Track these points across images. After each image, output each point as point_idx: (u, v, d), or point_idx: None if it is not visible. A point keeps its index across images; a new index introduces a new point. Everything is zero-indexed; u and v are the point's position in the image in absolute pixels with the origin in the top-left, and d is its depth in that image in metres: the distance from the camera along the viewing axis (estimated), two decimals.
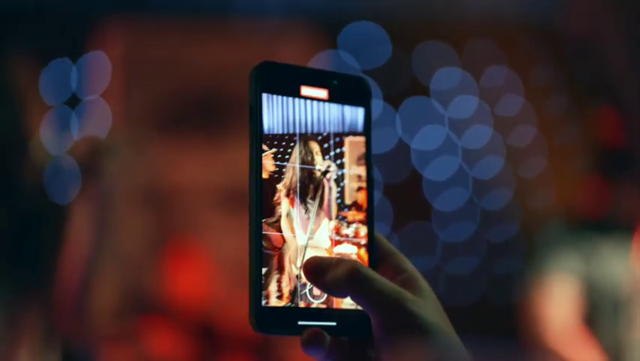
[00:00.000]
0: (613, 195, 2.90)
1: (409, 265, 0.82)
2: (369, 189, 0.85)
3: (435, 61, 4.10)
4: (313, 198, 0.83)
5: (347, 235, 0.84)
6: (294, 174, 0.82)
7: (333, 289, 0.79)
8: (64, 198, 2.61)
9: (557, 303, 2.85)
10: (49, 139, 2.70)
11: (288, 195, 0.82)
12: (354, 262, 0.80)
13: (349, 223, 0.84)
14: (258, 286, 0.79)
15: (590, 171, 3.01)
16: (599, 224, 2.91)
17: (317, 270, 0.79)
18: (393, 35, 4.10)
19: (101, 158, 3.30)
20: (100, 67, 3.92)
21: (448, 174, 4.09)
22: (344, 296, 0.80)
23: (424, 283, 0.80)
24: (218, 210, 3.94)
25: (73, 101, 3.82)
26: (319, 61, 3.98)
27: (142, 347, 3.42)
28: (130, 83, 3.99)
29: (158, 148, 3.92)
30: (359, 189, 0.85)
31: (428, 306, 0.78)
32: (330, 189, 0.84)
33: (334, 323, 0.80)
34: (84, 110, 3.85)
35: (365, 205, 0.85)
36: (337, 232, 0.83)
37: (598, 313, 2.85)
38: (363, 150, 0.85)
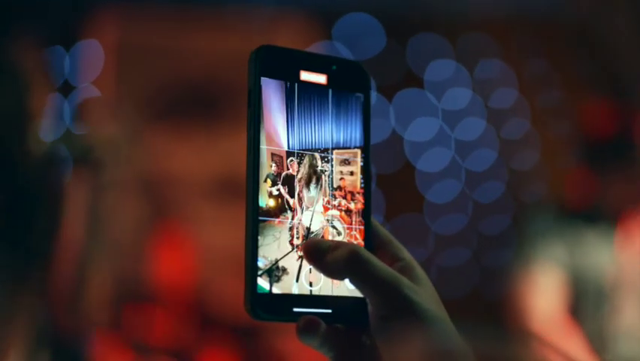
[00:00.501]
0: (599, 186, 2.92)
1: (405, 253, 0.82)
2: (367, 176, 0.85)
3: (429, 53, 4.10)
4: (311, 183, 0.83)
5: (356, 222, 0.84)
6: (292, 158, 0.82)
7: (333, 271, 0.79)
8: (56, 186, 2.61)
9: (543, 293, 2.88)
10: (42, 126, 2.70)
11: (285, 180, 0.81)
12: (354, 245, 0.80)
13: (347, 209, 0.84)
14: (253, 273, 0.78)
15: (578, 162, 3.03)
16: (584, 215, 2.93)
17: (317, 251, 0.79)
18: (387, 27, 4.09)
19: (95, 146, 3.30)
20: (93, 55, 3.91)
21: (440, 166, 4.09)
22: (342, 279, 0.80)
23: (420, 272, 0.81)
24: (211, 199, 3.94)
25: (66, 89, 3.81)
26: (314, 51, 3.97)
27: (133, 334, 3.42)
28: (123, 72, 3.98)
29: (151, 137, 3.91)
30: (356, 175, 0.85)
31: (425, 293, 0.78)
32: (327, 174, 0.84)
33: (330, 311, 0.80)
34: (77, 98, 3.84)
35: (362, 192, 0.85)
36: (344, 218, 0.83)
37: (582, 302, 2.87)
38: (361, 136, 0.85)
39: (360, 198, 0.84)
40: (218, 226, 3.87)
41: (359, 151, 0.85)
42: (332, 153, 0.84)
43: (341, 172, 0.84)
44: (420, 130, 4.09)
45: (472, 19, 4.09)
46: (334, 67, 0.85)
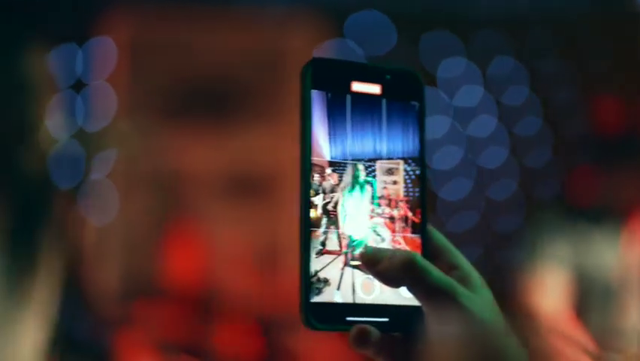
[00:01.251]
0: (605, 184, 2.92)
1: (463, 260, 0.81)
2: (422, 185, 0.85)
3: (441, 50, 4.10)
4: (354, 193, 0.83)
5: (399, 229, 0.84)
6: (344, 169, 0.82)
7: (389, 278, 0.79)
8: (68, 183, 2.61)
9: (550, 291, 2.88)
10: (54, 124, 2.71)
11: (329, 190, 0.82)
12: (410, 252, 0.80)
13: (400, 217, 0.84)
14: (306, 283, 0.79)
15: (587, 160, 3.03)
16: (592, 213, 2.93)
17: (373, 259, 0.79)
18: (398, 25, 4.09)
19: (108, 144, 3.31)
20: (106, 52, 3.92)
21: (452, 164, 4.09)
22: (398, 286, 0.80)
23: (478, 280, 0.80)
24: (222, 196, 3.94)
25: (79, 86, 3.82)
26: (325, 49, 3.98)
27: (147, 331, 3.43)
28: (136, 69, 3.99)
29: (163, 134, 3.92)
30: (411, 184, 0.85)
31: (482, 302, 0.77)
32: (382, 183, 0.84)
33: (384, 319, 0.80)
34: (89, 95, 3.85)
35: (418, 200, 0.85)
36: (389, 225, 0.83)
37: (589, 300, 2.87)
38: (416, 144, 0.85)
39: (403, 205, 0.84)
40: (231, 223, 3.88)
41: (414, 160, 0.85)
42: (376, 163, 0.84)
43: (384, 181, 0.84)
44: (432, 128, 4.09)
45: (483, 17, 4.09)
46: (388, 76, 0.84)
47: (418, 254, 0.80)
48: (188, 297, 3.67)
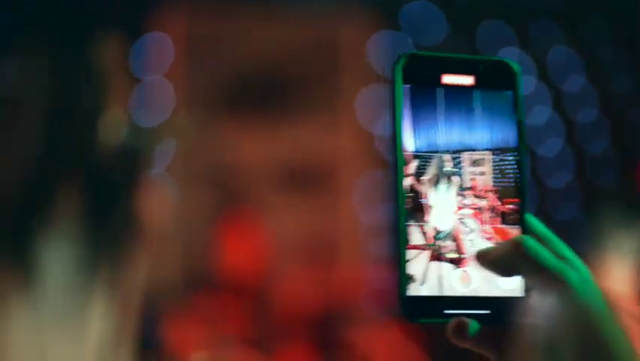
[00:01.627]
0: None
1: (568, 252, 0.79)
2: (521, 175, 0.84)
3: (493, 41, 4.08)
4: (453, 186, 0.83)
5: (488, 220, 0.83)
6: (431, 162, 0.83)
7: (502, 265, 0.78)
8: (128, 177, 2.64)
9: (612, 279, 2.86)
10: (116, 117, 2.74)
11: (433, 183, 0.82)
12: (520, 235, 0.80)
13: (489, 208, 0.84)
14: (403, 274, 0.79)
15: None
16: None
17: (483, 253, 0.79)
18: (450, 16, 4.08)
19: (165, 138, 3.34)
20: (161, 47, 3.95)
21: None
22: (512, 274, 0.79)
23: (585, 271, 0.77)
24: (279, 188, 3.97)
25: (136, 80, 3.85)
26: (377, 41, 3.99)
27: (204, 323, 3.46)
28: (191, 63, 4.02)
29: (220, 126, 3.95)
30: (500, 174, 0.85)
31: (594, 292, 0.75)
32: (468, 174, 0.84)
33: (484, 311, 0.80)
34: (147, 90, 3.89)
35: (511, 190, 0.84)
36: (478, 216, 0.83)
37: None
38: (508, 134, 0.85)
39: (491, 196, 0.84)
40: (288, 215, 3.90)
41: (489, 152, 0.84)
42: (464, 154, 0.84)
43: (472, 173, 0.84)
44: None
45: (537, 7, 4.07)
46: (480, 66, 0.84)
47: (528, 236, 0.79)
48: (245, 289, 3.70)
